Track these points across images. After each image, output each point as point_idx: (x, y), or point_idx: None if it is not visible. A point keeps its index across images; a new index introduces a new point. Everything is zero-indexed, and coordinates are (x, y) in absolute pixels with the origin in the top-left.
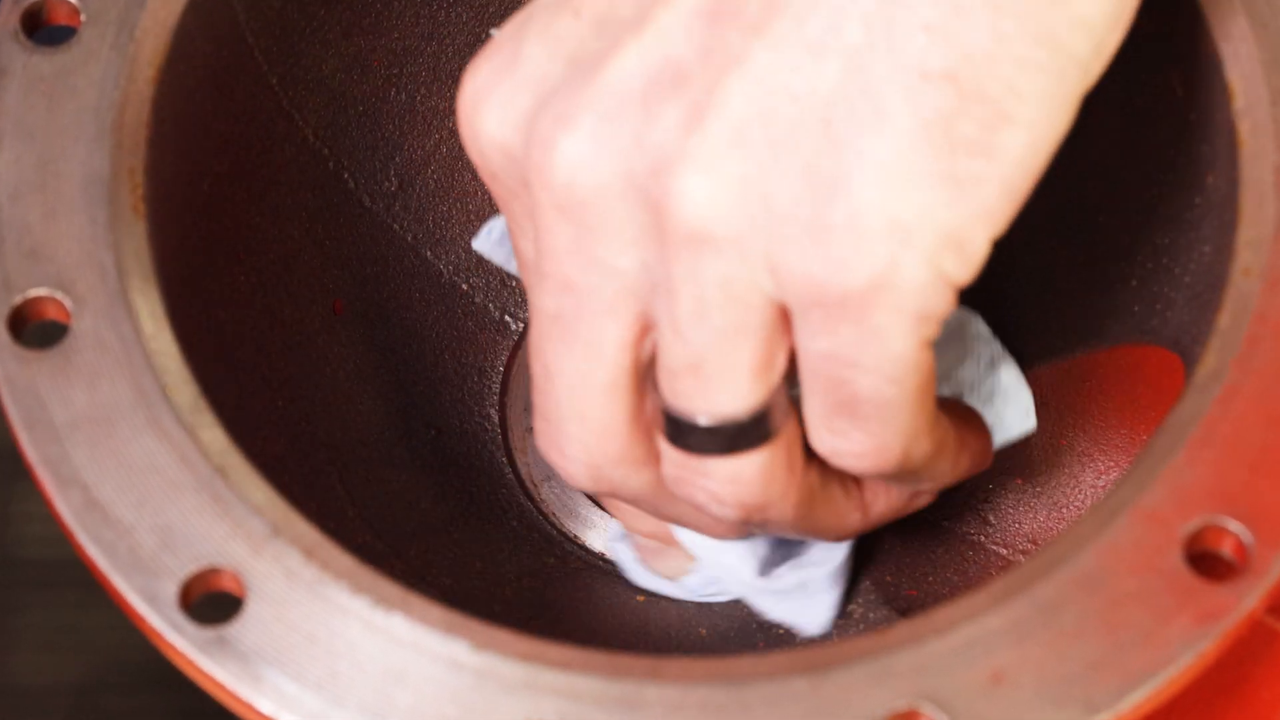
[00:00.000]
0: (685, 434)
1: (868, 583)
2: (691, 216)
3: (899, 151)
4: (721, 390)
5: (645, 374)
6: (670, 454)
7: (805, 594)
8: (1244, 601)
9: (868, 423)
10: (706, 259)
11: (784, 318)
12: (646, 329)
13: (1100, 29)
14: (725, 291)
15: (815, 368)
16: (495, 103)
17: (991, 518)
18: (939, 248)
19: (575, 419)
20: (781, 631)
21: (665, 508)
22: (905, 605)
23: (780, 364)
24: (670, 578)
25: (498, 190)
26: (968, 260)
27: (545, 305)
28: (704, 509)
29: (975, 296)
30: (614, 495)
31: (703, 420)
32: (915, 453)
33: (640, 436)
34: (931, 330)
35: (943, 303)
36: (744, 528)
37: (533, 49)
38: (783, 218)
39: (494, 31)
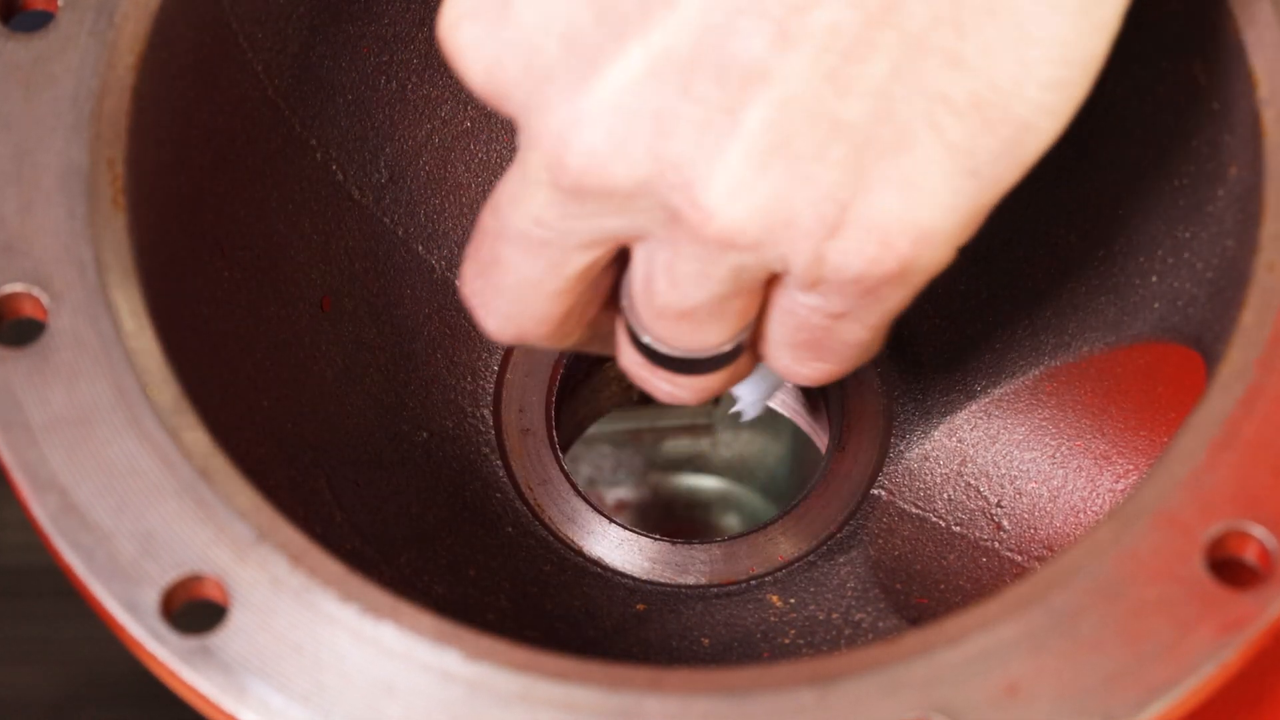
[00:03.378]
0: (658, 356)
1: (876, 590)
2: (716, 231)
3: (923, 170)
4: (706, 335)
5: (601, 274)
6: (637, 359)
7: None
8: (1268, 610)
9: (835, 355)
10: (725, 255)
11: (770, 278)
12: (616, 250)
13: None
14: (735, 275)
15: (798, 314)
16: (482, 55)
17: (1006, 523)
18: (957, 237)
19: (516, 302)
20: (787, 641)
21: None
22: (916, 614)
23: (756, 309)
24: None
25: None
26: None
27: (516, 224)
28: (658, 396)
29: (990, 289)
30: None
31: (678, 353)
32: None
33: (575, 322)
34: None
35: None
36: None
37: (525, 12)
38: (806, 230)
39: None
